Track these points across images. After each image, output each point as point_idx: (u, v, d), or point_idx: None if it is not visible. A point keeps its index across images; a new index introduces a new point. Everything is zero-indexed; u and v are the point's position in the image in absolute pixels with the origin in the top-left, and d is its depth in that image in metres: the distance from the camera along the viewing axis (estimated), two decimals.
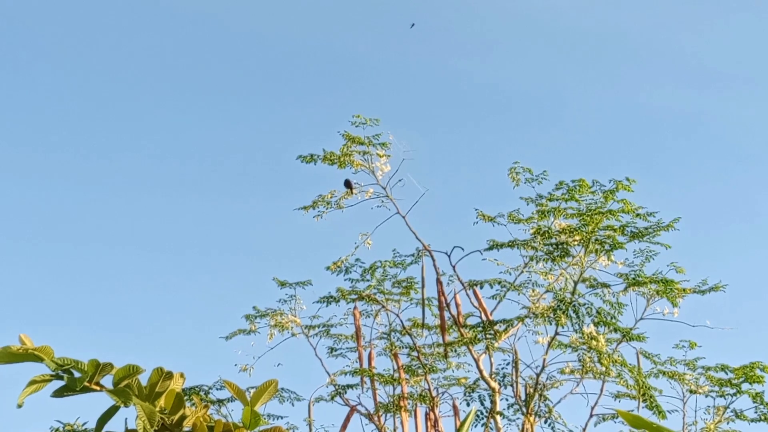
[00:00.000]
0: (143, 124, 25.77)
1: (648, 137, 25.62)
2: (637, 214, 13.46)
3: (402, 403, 14.28)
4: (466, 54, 26.19)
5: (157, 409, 3.13)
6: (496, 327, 13.66)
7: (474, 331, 13.76)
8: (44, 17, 25.39)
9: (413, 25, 13.51)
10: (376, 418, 14.44)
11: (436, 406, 14.44)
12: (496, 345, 13.80)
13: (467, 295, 14.03)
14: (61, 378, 3.10)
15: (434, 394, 14.53)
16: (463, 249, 13.92)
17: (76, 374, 3.09)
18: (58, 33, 25.68)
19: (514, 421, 13.58)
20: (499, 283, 13.97)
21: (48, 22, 25.42)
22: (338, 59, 25.99)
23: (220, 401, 14.29)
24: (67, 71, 25.97)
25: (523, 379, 13.87)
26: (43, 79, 25.97)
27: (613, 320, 13.15)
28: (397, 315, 14.84)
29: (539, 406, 13.65)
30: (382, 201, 13.99)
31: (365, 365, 14.48)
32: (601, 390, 13.80)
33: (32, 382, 3.05)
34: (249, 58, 26.40)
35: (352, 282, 14.79)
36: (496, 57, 26.28)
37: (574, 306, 13.03)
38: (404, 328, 14.75)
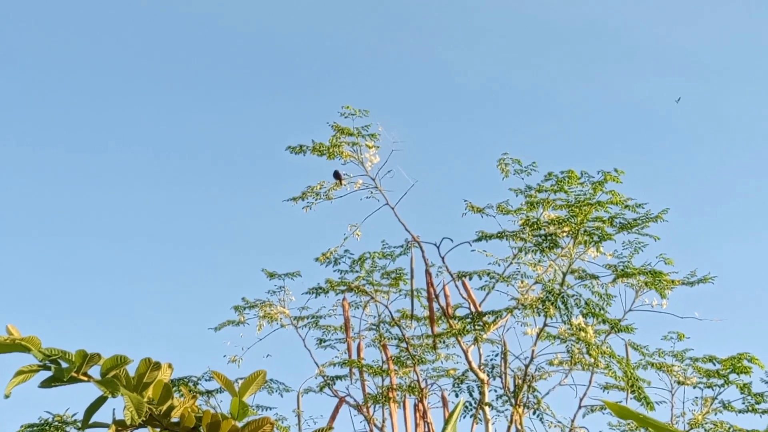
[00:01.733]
0: (130, 116, 25.72)
1: (638, 129, 25.66)
2: (626, 206, 13.47)
3: (391, 395, 14.29)
4: (456, 45, 26.19)
5: (145, 399, 3.13)
6: (485, 318, 13.67)
7: (463, 322, 13.77)
8: (31, 9, 25.30)
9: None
10: (364, 409, 14.46)
11: (425, 397, 14.46)
12: (484, 336, 13.81)
13: (456, 286, 14.04)
14: (48, 368, 3.09)
15: (423, 385, 14.55)
16: (452, 240, 13.94)
17: (64, 365, 3.09)
18: (47, 27, 25.60)
19: (502, 412, 13.60)
20: (488, 274, 13.97)
21: (37, 16, 25.33)
22: (328, 50, 25.96)
23: (209, 392, 14.28)
24: (60, 65, 25.90)
25: (512, 371, 13.89)
26: (33, 73, 25.90)
27: (602, 311, 13.17)
28: (386, 306, 14.85)
29: (528, 398, 13.66)
30: (372, 192, 14.00)
31: (354, 356, 14.49)
32: (590, 381, 13.84)
33: (19, 373, 3.04)
34: (236, 49, 26.36)
35: (341, 273, 14.80)
36: (486, 48, 26.28)
37: (562, 297, 13.04)
38: (393, 319, 14.75)
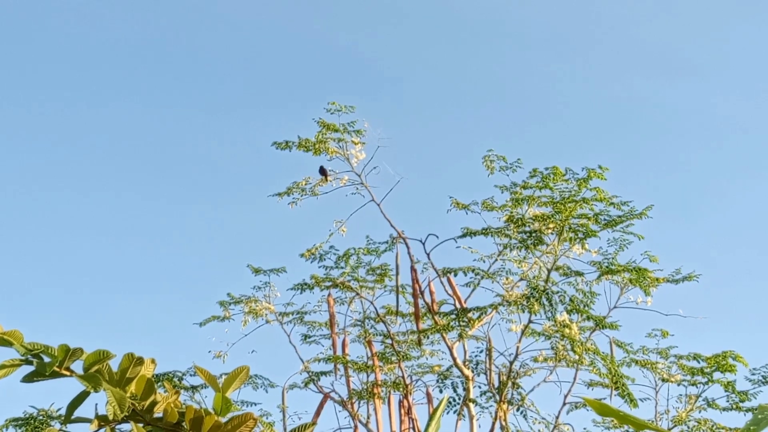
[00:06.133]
0: (115, 111, 25.64)
1: (621, 127, 25.72)
2: (611, 203, 13.50)
3: (375, 391, 14.30)
4: (442, 43, 26.20)
5: (128, 395, 3.12)
6: (470, 315, 13.68)
7: (448, 318, 13.78)
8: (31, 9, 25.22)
9: None
10: (349, 405, 14.46)
11: (410, 393, 14.47)
12: (469, 333, 13.83)
13: (441, 282, 14.06)
14: (30, 363, 3.08)
15: (408, 381, 14.56)
16: (437, 237, 13.94)
17: (46, 359, 3.08)
18: (43, 26, 25.51)
19: (487, 408, 13.62)
20: (473, 270, 13.99)
21: (36, 16, 25.25)
22: (313, 46, 25.93)
23: (193, 388, 14.27)
24: (51, 63, 25.83)
25: (497, 367, 13.91)
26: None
27: (586, 308, 13.20)
28: (371, 302, 14.86)
29: (512, 394, 13.69)
30: (357, 188, 13.98)
31: (339, 352, 14.49)
32: (574, 378, 13.85)
33: (1, 367, 3.03)
34: (220, 44, 26.32)
35: (326, 269, 14.80)
36: (473, 45, 26.29)
37: (547, 294, 13.06)
38: (378, 315, 14.76)
